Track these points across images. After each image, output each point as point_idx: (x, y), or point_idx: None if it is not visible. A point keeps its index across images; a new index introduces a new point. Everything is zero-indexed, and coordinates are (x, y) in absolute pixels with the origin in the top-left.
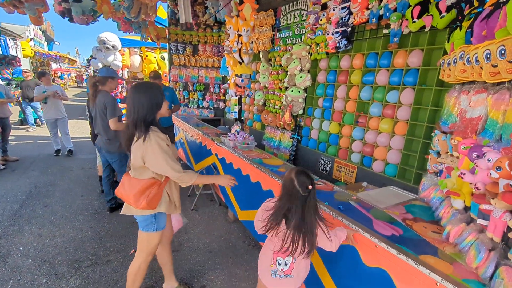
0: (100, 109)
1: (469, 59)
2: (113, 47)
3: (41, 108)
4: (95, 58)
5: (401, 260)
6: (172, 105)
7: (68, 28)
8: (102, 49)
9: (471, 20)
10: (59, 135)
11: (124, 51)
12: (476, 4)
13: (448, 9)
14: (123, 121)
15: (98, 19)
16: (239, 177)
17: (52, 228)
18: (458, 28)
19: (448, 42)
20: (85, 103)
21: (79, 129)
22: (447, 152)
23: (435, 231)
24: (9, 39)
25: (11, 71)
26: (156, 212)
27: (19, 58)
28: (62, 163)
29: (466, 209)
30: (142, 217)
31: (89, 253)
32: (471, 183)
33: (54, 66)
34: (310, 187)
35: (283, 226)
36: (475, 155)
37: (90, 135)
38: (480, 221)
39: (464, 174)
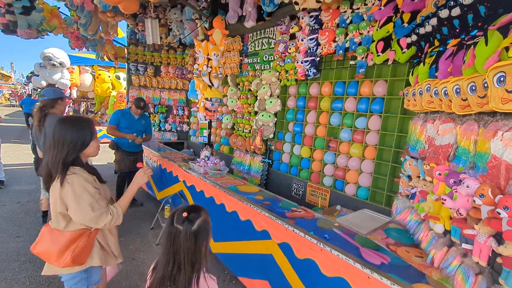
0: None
1: (437, 92)
2: (60, 64)
3: None
4: (37, 75)
5: None
6: (144, 134)
7: (2, 40)
8: (47, 66)
9: (433, 57)
10: None
11: (74, 69)
12: (436, 43)
13: (408, 46)
14: None
15: (48, 33)
16: (212, 206)
17: None
18: (422, 63)
19: (412, 75)
20: (22, 124)
21: (14, 154)
22: (419, 176)
23: (418, 255)
24: None
25: None
26: (88, 266)
27: None
28: None
29: (445, 232)
30: (70, 274)
31: None
32: (452, 208)
33: None
34: (185, 214)
35: None
36: (452, 181)
37: (33, 164)
38: (464, 246)
39: (445, 200)
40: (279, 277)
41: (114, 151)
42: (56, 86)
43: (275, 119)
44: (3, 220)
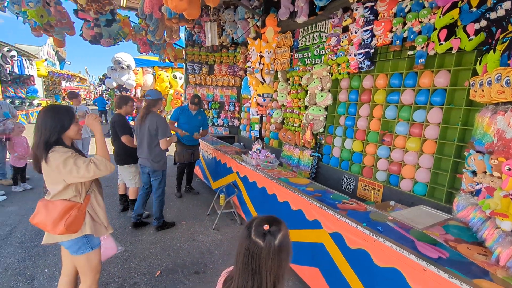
0: (151, 129)
1: (509, 82)
2: (127, 66)
3: None
4: (109, 77)
5: (454, 285)
6: (201, 129)
7: (78, 47)
8: (117, 69)
9: (506, 43)
10: None
11: (138, 70)
12: (510, 28)
13: (476, 32)
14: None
15: (122, 40)
16: (264, 196)
17: None
18: (492, 50)
19: (480, 63)
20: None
21: (92, 147)
22: (485, 172)
23: (481, 253)
24: (25, 60)
25: (25, 90)
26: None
27: (33, 77)
28: None
29: None
30: (71, 241)
31: (114, 275)
32: None
33: (63, 84)
34: (266, 226)
35: None
36: None
37: (112, 154)
38: None
39: None
40: (330, 265)
41: (175, 144)
42: (124, 86)
43: (326, 113)
44: None
